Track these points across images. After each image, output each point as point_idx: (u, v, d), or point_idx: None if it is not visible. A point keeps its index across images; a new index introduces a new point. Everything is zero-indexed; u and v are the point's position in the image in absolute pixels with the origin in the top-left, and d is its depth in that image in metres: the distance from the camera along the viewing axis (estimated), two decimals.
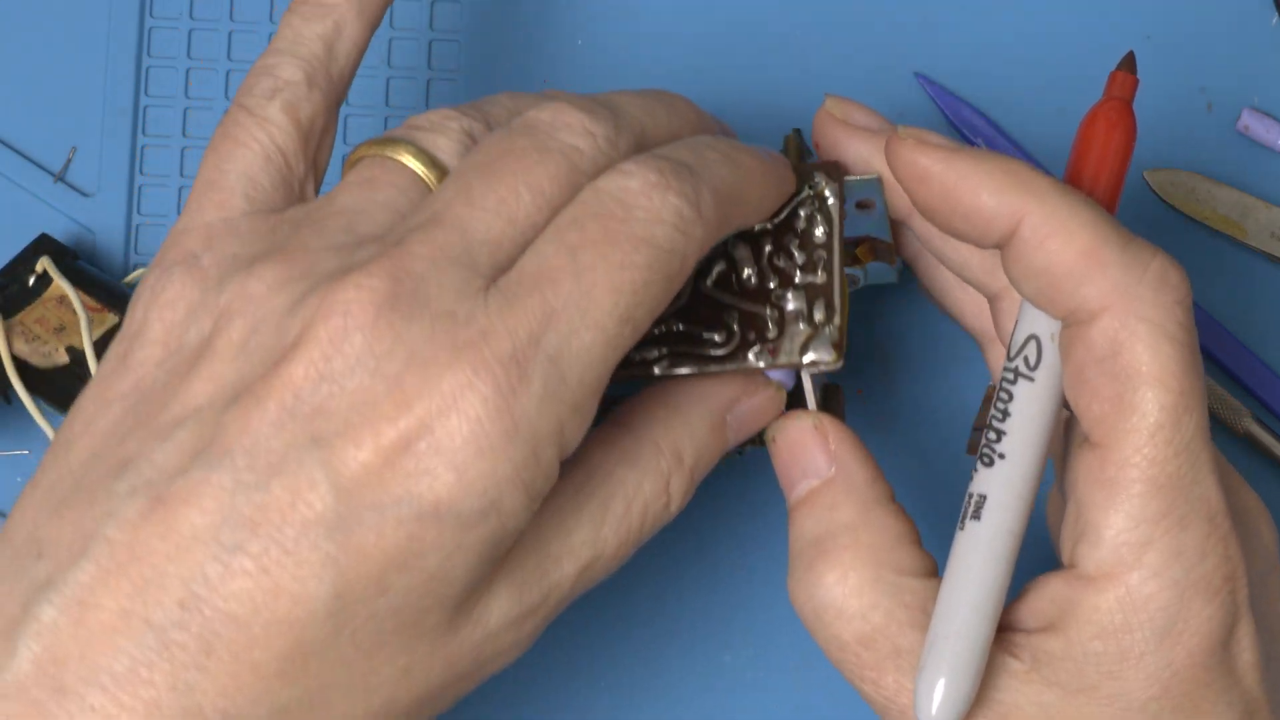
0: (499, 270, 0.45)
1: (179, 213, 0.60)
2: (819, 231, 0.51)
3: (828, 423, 0.51)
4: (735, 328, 0.50)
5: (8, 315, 0.56)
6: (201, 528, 0.42)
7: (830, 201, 0.51)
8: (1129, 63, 0.49)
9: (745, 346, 0.50)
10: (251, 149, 0.48)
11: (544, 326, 0.44)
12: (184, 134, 0.61)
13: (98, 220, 0.61)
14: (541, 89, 0.61)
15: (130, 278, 0.60)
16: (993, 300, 0.51)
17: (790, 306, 0.50)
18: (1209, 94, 0.61)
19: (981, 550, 0.47)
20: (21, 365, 0.56)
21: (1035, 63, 0.61)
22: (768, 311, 0.50)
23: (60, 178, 0.61)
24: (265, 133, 0.49)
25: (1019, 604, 0.48)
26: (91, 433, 0.45)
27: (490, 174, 0.46)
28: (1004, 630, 0.47)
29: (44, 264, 0.57)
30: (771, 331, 0.50)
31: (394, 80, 0.61)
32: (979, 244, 0.48)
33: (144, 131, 0.61)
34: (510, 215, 0.45)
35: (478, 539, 0.43)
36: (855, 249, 0.54)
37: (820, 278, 0.51)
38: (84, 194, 0.61)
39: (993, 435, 0.48)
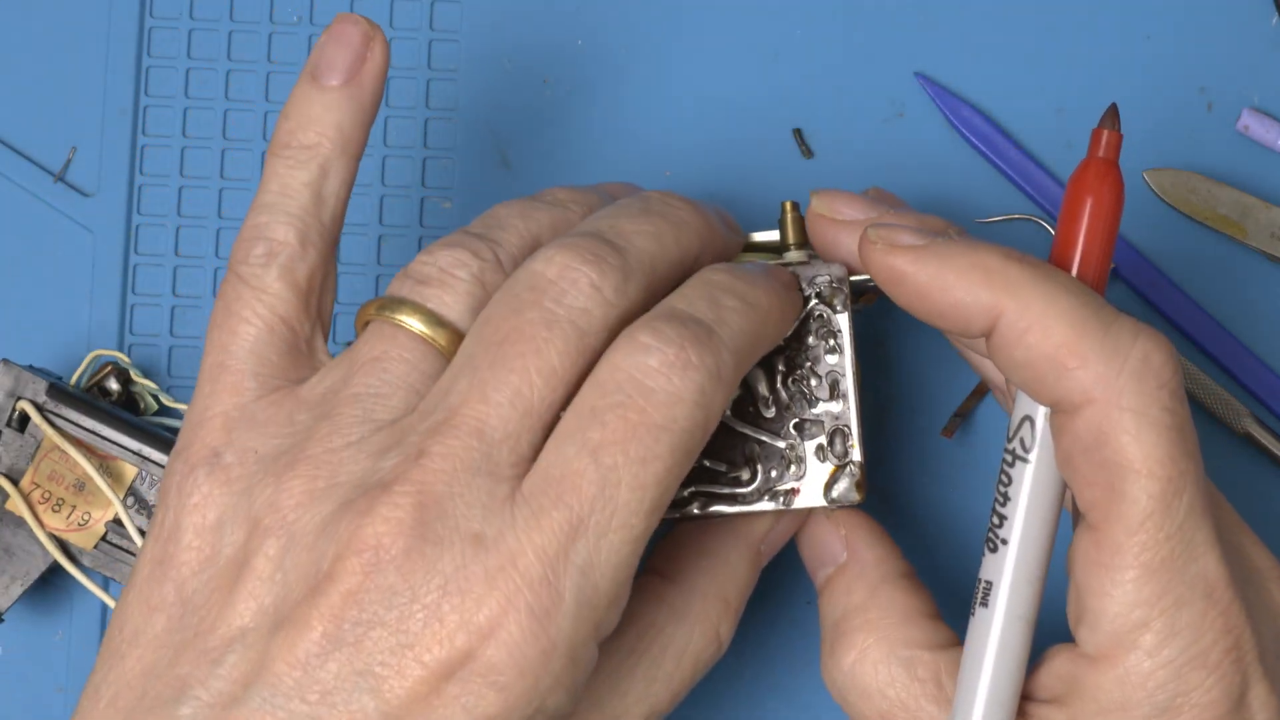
0: (522, 462, 0.45)
1: (179, 213, 0.61)
2: (831, 357, 0.51)
3: (840, 512, 0.52)
4: (758, 465, 0.51)
5: (15, 479, 0.56)
6: None
7: (840, 314, 0.51)
8: (1112, 118, 0.49)
9: (769, 485, 0.51)
10: (255, 325, 0.49)
11: (572, 538, 0.44)
12: (184, 134, 0.61)
13: (98, 220, 0.61)
14: (541, 89, 0.61)
15: (93, 352, 0.60)
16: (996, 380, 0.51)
17: (810, 441, 0.51)
18: (1209, 94, 0.61)
19: (993, 638, 0.47)
20: (61, 542, 0.57)
21: (1035, 63, 0.61)
22: (787, 447, 0.51)
23: (60, 178, 0.61)
24: (265, 305, 0.49)
25: (1033, 675, 0.49)
26: (141, 644, 0.46)
27: (501, 362, 0.46)
28: (1022, 699, 0.48)
29: (25, 408, 0.56)
30: (793, 469, 0.51)
31: (394, 81, 0.61)
32: (964, 336, 0.48)
33: (144, 131, 0.61)
34: (526, 407, 0.45)
35: None
36: (860, 297, 0.54)
37: (837, 406, 0.51)
38: (84, 194, 0.61)
39: (996, 520, 0.48)
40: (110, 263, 0.61)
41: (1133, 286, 0.60)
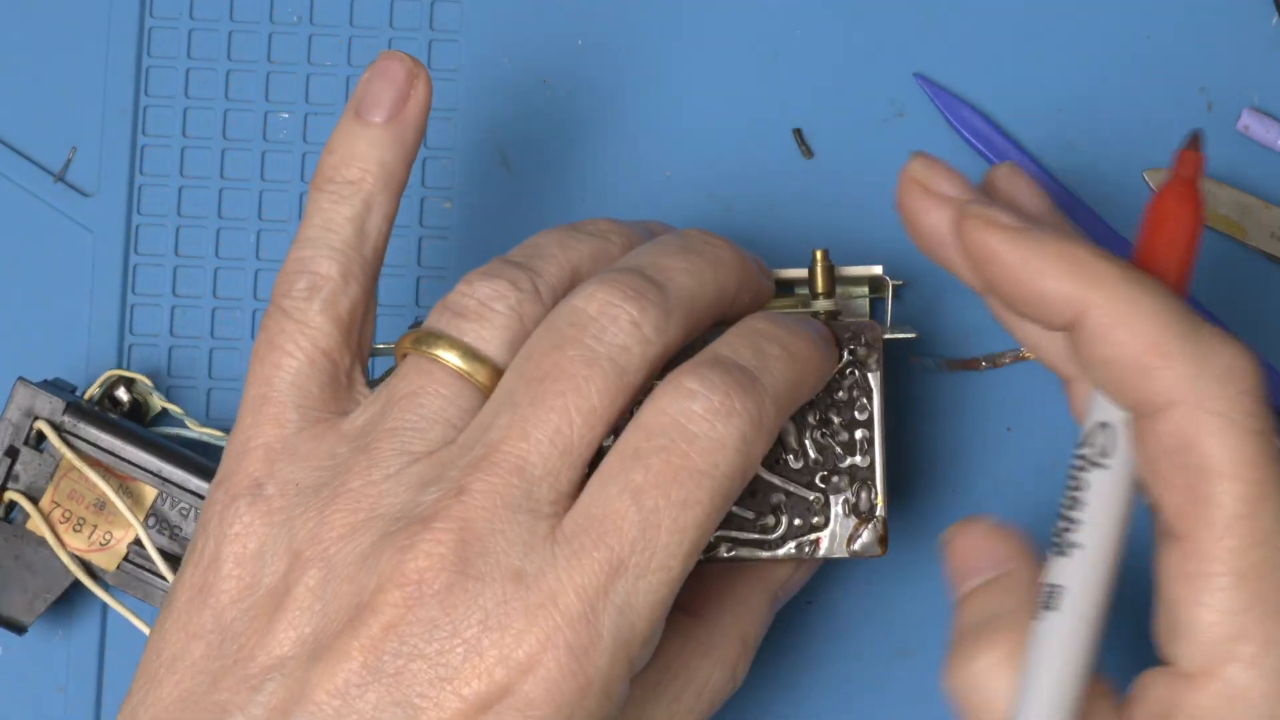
0: (562, 499, 0.46)
1: (179, 213, 0.61)
2: (861, 413, 0.52)
3: (999, 529, 0.50)
4: (784, 514, 0.52)
5: (35, 499, 0.57)
6: None
7: (873, 372, 0.52)
8: (1195, 143, 0.49)
9: (793, 533, 0.52)
10: (297, 358, 0.49)
11: (611, 578, 0.45)
12: (184, 134, 0.61)
13: (98, 220, 0.61)
14: (541, 89, 0.61)
15: (108, 372, 0.60)
16: (1067, 383, 0.51)
17: (835, 494, 0.52)
18: (1209, 94, 0.61)
19: (1061, 642, 0.47)
20: (84, 561, 0.57)
21: (1035, 63, 0.61)
22: (814, 499, 0.52)
23: (60, 178, 0.61)
24: (308, 338, 0.50)
25: (1127, 708, 0.47)
26: (179, 670, 0.47)
27: (541, 400, 0.47)
28: None
29: (42, 428, 0.56)
30: (818, 519, 0.52)
31: None
32: (1046, 327, 0.47)
33: (144, 131, 0.61)
34: (566, 445, 0.46)
35: None
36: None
37: (864, 461, 0.52)
38: (84, 194, 0.61)
39: (1065, 524, 0.47)
40: (110, 263, 0.61)
41: None
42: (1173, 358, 0.45)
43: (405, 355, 0.49)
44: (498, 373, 0.48)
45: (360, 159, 0.51)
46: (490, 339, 0.49)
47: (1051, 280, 0.47)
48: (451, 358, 0.48)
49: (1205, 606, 0.45)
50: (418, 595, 0.45)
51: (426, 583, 0.45)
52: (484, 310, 0.49)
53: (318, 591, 0.46)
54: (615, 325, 0.47)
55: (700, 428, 0.46)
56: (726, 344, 0.49)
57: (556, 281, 0.50)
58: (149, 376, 0.60)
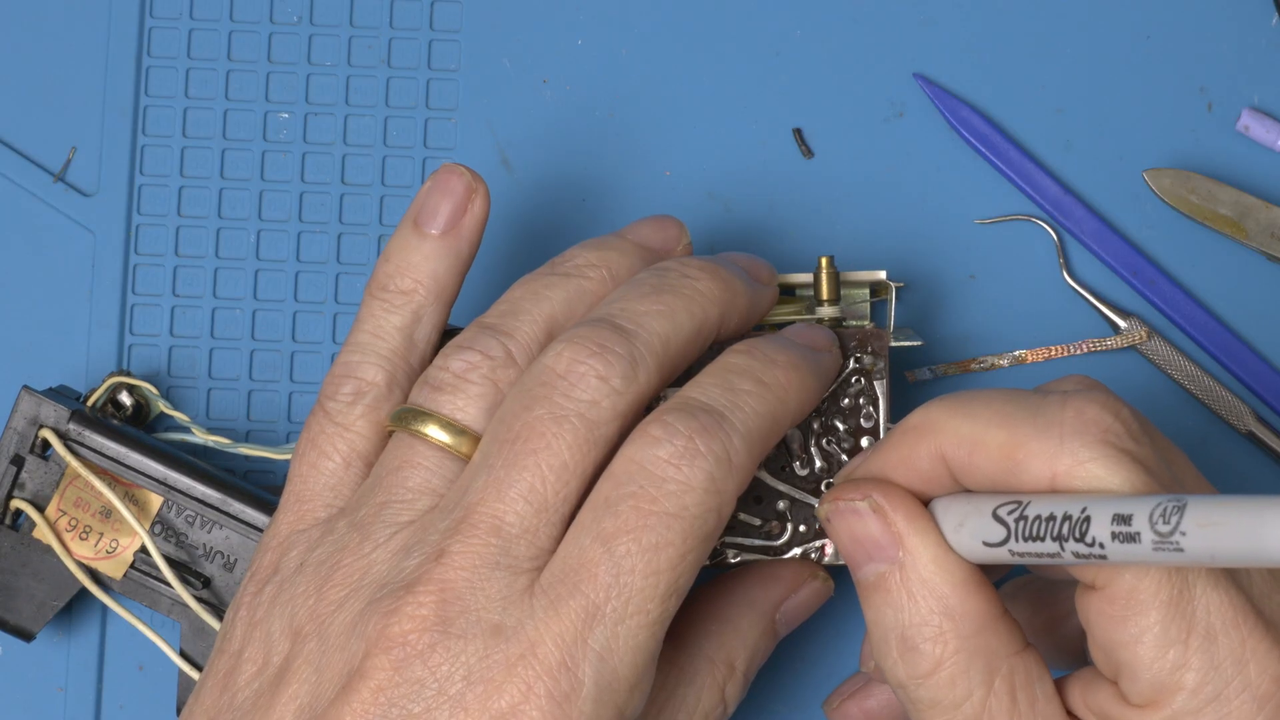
0: (541, 555, 0.47)
1: (179, 213, 0.61)
2: (866, 420, 0.53)
3: (887, 501, 0.49)
4: (788, 521, 0.53)
5: (41, 507, 0.57)
6: None
7: (878, 381, 0.53)
8: None
9: (799, 540, 0.53)
10: (334, 460, 0.52)
11: (588, 625, 0.46)
12: (184, 134, 0.61)
13: (98, 220, 0.61)
14: (541, 89, 0.61)
15: (111, 378, 0.60)
16: None
17: None
18: (1209, 94, 0.61)
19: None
20: (90, 570, 0.57)
21: (1035, 63, 0.61)
22: (819, 505, 0.52)
23: (60, 178, 0.61)
24: (346, 443, 0.52)
25: (1071, 691, 0.48)
26: None
27: (514, 460, 0.48)
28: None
29: (47, 436, 0.56)
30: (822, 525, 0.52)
31: (393, 81, 0.61)
32: (939, 487, 0.48)
33: (144, 131, 0.61)
34: (540, 502, 0.47)
35: None
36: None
37: None
38: (84, 194, 0.61)
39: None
40: (110, 263, 0.61)
41: (1133, 286, 0.60)
42: (1029, 445, 0.46)
43: (392, 433, 0.51)
44: (477, 440, 0.50)
45: (414, 270, 0.53)
46: (467, 408, 0.50)
47: (911, 459, 0.48)
48: (431, 431, 0.50)
49: (1143, 644, 0.45)
50: (403, 657, 0.46)
51: (411, 644, 0.46)
52: (459, 382, 0.50)
53: (313, 662, 0.48)
54: (583, 382, 0.48)
55: (667, 473, 0.47)
56: (697, 385, 0.49)
57: (530, 339, 0.51)
58: (149, 376, 0.60)
